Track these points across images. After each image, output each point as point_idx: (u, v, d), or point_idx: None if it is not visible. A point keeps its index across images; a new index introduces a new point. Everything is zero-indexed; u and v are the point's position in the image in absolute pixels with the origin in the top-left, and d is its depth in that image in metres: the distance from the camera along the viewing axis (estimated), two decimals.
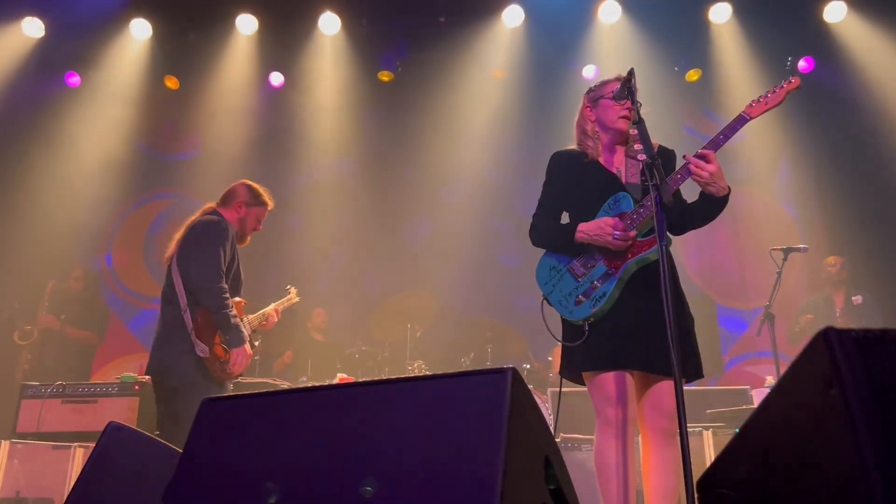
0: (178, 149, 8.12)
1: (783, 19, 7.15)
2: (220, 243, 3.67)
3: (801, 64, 7.24)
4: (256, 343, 3.86)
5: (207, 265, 3.60)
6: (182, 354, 3.56)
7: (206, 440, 1.95)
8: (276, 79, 7.62)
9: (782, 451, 1.05)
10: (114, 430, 2.26)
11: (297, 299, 4.34)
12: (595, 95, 3.02)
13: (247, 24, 7.22)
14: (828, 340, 0.95)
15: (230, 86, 7.72)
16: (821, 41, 7.16)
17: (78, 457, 4.66)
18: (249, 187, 4.01)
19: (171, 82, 7.64)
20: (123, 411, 4.84)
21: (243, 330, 3.67)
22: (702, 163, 2.63)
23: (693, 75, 7.64)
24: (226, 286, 3.62)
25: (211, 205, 3.98)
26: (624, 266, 2.71)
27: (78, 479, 2.21)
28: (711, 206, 2.78)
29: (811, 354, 0.99)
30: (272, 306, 4.07)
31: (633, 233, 2.70)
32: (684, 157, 2.69)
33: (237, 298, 3.85)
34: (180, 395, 3.52)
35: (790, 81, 2.73)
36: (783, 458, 1.04)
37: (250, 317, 3.89)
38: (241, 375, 3.76)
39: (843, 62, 7.14)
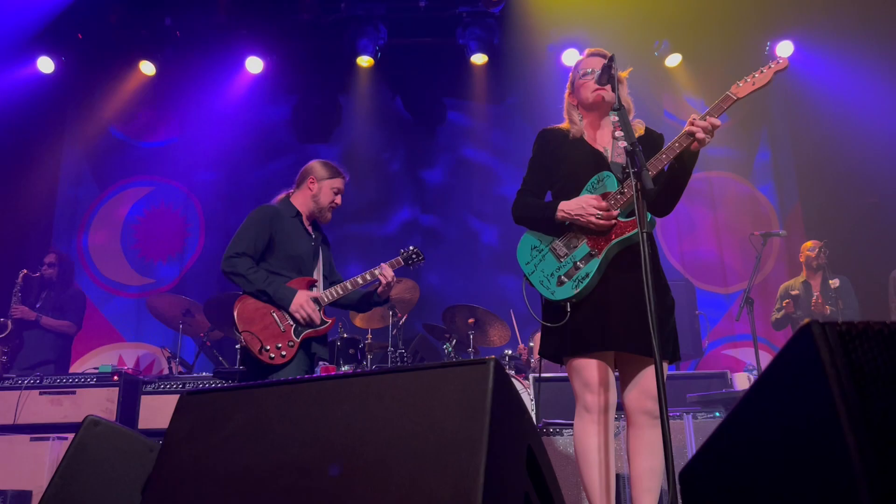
0: (155, 136, 8.01)
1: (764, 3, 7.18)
2: (244, 229, 3.74)
3: (780, 48, 7.26)
4: (329, 319, 3.77)
5: (229, 251, 3.68)
6: (240, 351, 3.70)
7: (186, 433, 1.93)
8: (255, 64, 7.51)
9: (766, 444, 1.06)
10: (91, 423, 2.23)
11: (412, 256, 4.08)
12: (570, 79, 3.05)
13: (225, 8, 7.12)
14: (811, 333, 0.95)
15: (208, 71, 7.62)
16: (801, 26, 7.20)
17: (56, 448, 4.61)
18: (320, 162, 3.99)
19: (147, 68, 7.52)
20: (102, 402, 4.79)
21: (283, 289, 3.65)
22: (707, 126, 2.60)
23: (672, 61, 7.64)
24: (242, 261, 3.64)
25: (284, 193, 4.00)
26: (606, 247, 2.71)
27: (55, 473, 2.18)
28: (691, 158, 2.72)
29: (795, 347, 0.99)
30: (381, 266, 3.89)
31: (615, 212, 2.70)
32: (691, 121, 2.62)
33: (313, 278, 3.86)
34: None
35: (778, 62, 2.73)
36: (767, 450, 1.05)
37: (327, 291, 3.82)
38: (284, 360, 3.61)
39: (823, 47, 7.19)
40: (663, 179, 2.76)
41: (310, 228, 3.94)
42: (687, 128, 2.64)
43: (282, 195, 3.99)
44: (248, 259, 3.65)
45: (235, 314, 3.61)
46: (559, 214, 2.79)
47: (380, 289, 3.87)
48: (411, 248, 4.10)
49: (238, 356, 3.72)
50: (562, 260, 2.79)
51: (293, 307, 3.61)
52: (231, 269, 3.62)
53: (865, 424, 0.88)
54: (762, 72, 2.72)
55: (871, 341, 0.94)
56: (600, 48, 3.02)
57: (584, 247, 2.76)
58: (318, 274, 3.92)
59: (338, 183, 3.94)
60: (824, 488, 0.92)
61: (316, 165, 3.96)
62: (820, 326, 0.94)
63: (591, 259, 2.72)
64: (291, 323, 3.64)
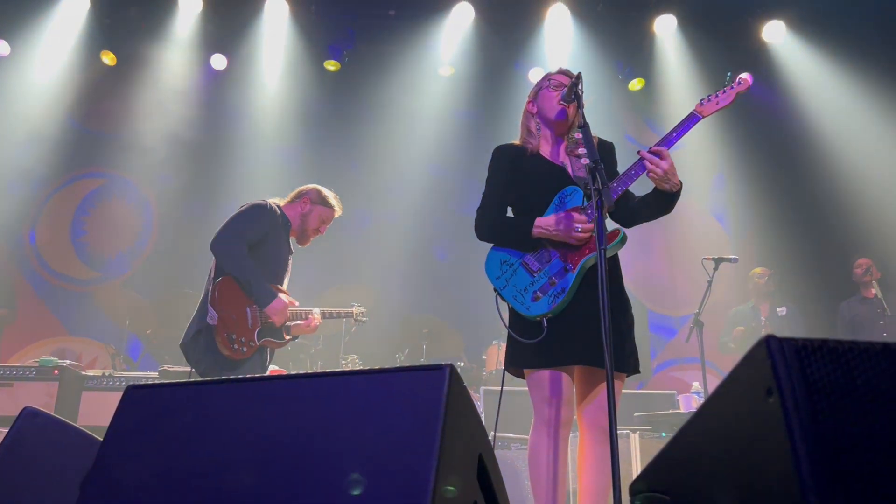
0: (113, 127, 7.82)
1: (725, 35, 7.36)
2: (248, 216, 3.74)
3: (742, 77, 7.44)
4: (288, 336, 3.82)
5: (226, 231, 3.66)
6: (197, 335, 3.57)
7: (129, 429, 1.88)
8: (219, 61, 7.42)
9: (718, 457, 1.07)
10: (29, 415, 2.15)
11: (358, 315, 4.27)
12: (536, 88, 3.03)
13: (190, 2, 7.03)
14: (769, 348, 0.96)
15: (170, 65, 7.50)
16: (759, 58, 7.40)
17: None
18: (319, 189, 4.05)
19: (109, 57, 7.36)
20: (41, 396, 4.65)
21: (267, 287, 3.65)
22: (656, 160, 2.64)
23: (636, 85, 7.79)
24: (238, 245, 3.62)
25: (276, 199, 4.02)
26: (581, 262, 2.70)
27: None
28: (665, 201, 2.80)
29: (751, 361, 1.01)
30: (318, 309, 3.97)
31: (591, 225, 2.71)
32: (639, 153, 2.69)
33: (285, 288, 3.89)
34: (194, 376, 3.60)
35: (739, 83, 2.79)
36: (718, 463, 1.06)
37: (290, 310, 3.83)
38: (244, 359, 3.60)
39: (780, 80, 7.39)
40: (636, 202, 2.89)
41: (290, 242, 3.99)
42: (640, 154, 2.69)
43: (275, 200, 4.00)
44: (244, 245, 3.65)
45: (217, 291, 3.59)
46: (536, 231, 2.76)
47: (301, 324, 3.89)
48: (363, 308, 4.29)
49: (203, 337, 3.58)
50: (535, 275, 2.76)
51: (273, 310, 3.62)
52: (225, 249, 3.61)
53: (817, 440, 0.90)
54: (725, 92, 2.79)
55: (826, 358, 0.96)
56: (570, 69, 3.04)
57: (556, 262, 2.74)
58: (285, 286, 3.95)
59: (328, 214, 4.02)
60: (775, 501, 0.93)
61: (317, 189, 4.04)
62: (777, 341, 0.96)
63: (567, 274, 2.71)
64: (260, 325, 3.64)
